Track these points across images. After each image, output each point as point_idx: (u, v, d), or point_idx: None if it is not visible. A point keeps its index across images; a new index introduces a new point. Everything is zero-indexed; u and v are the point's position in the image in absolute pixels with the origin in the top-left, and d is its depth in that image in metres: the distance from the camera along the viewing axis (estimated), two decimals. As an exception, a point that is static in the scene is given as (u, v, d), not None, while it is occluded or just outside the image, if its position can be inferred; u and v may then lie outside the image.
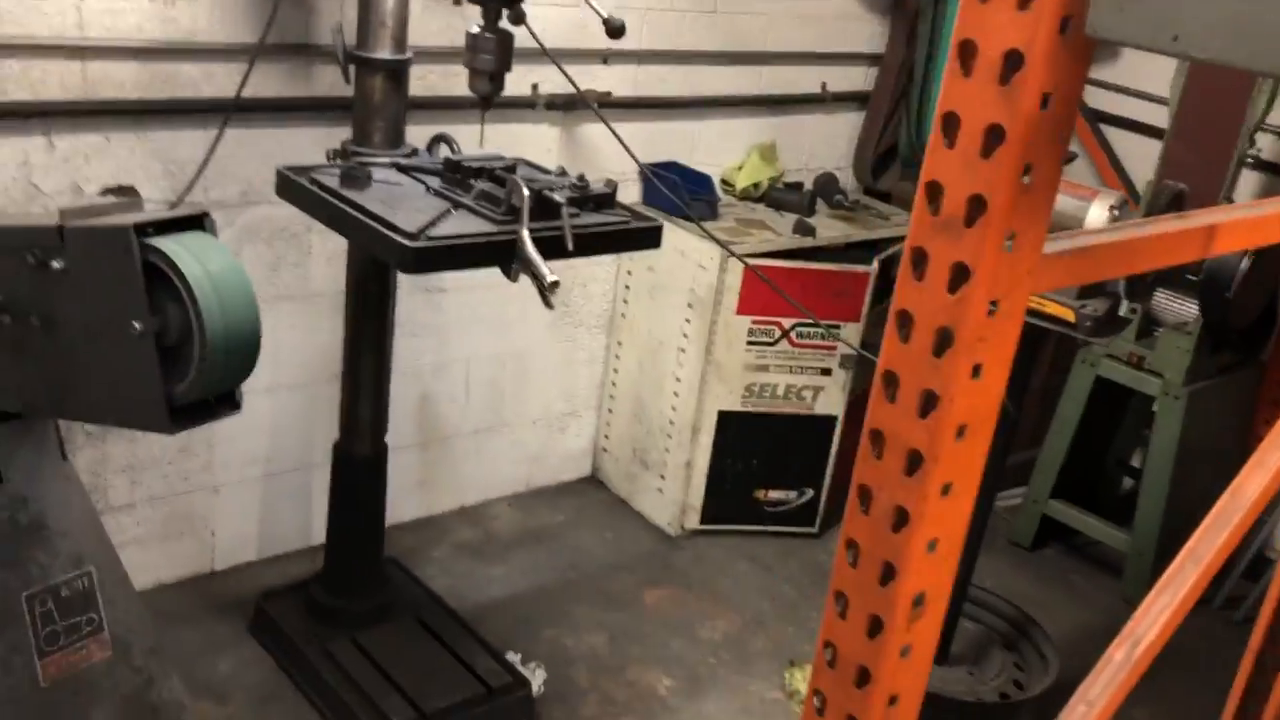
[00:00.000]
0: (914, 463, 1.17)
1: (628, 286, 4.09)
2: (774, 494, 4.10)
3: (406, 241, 2.16)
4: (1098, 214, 2.48)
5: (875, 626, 1.23)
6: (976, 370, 1.13)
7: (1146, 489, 3.98)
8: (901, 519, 1.19)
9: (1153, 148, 3.93)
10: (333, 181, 2.45)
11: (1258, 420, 4.10)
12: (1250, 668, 2.48)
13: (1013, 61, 1.02)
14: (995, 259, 1.07)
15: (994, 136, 1.04)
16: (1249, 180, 3.99)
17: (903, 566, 1.20)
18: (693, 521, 4.06)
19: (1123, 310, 2.82)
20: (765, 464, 4.06)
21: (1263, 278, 3.60)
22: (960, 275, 1.09)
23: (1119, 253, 1.27)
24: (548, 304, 2.19)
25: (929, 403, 1.14)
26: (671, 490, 4.04)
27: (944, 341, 1.11)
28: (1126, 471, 4.49)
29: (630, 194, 3.85)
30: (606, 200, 2.50)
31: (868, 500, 1.22)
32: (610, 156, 3.64)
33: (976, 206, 1.06)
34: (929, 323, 1.12)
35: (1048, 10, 0.99)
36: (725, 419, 3.95)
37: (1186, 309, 3.70)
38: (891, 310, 1.17)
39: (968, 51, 1.04)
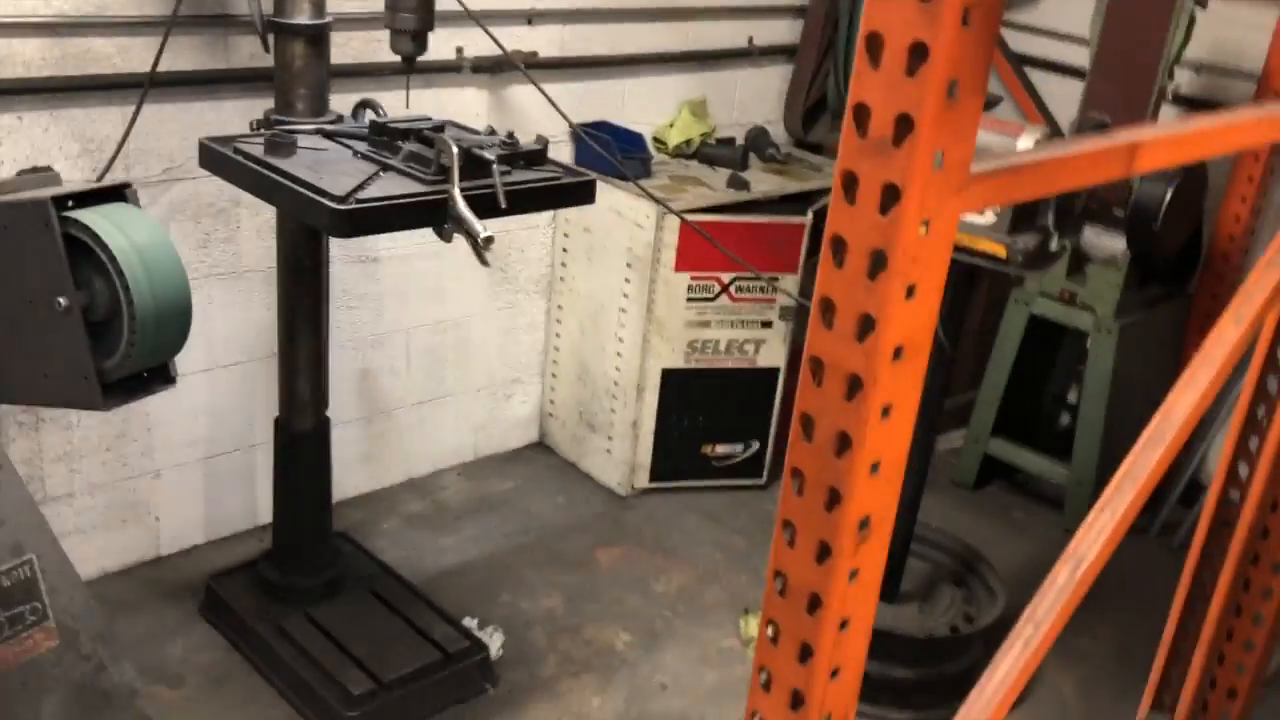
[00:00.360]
0: (854, 387, 1.18)
1: (565, 249, 4.07)
2: (721, 448, 4.13)
3: (335, 205, 2.13)
4: (1025, 147, 2.51)
5: (823, 552, 1.25)
6: (910, 291, 1.14)
7: (1083, 423, 4.07)
8: (844, 444, 1.20)
9: (1075, 88, 3.98)
10: (257, 150, 2.40)
11: (1188, 350, 4.20)
12: (1187, 591, 2.56)
13: (932, -22, 1.03)
14: (925, 178, 1.08)
15: (918, 54, 1.05)
16: (1168, 115, 4.05)
17: (847, 491, 1.21)
18: (642, 480, 4.08)
19: (1053, 245, 2.86)
20: (711, 419, 4.08)
21: (1186, 208, 3.68)
22: (891, 196, 1.10)
23: (1046, 171, 1.28)
24: (483, 261, 2.17)
25: (865, 326, 1.16)
26: (619, 450, 4.05)
27: (878, 263, 1.13)
28: (1063, 407, 4.59)
29: (562, 155, 3.82)
30: (537, 157, 2.49)
31: (810, 428, 1.23)
32: (540, 118, 3.61)
33: (904, 126, 1.07)
34: (862, 245, 1.13)
35: (964, -75, 1.00)
36: (669, 377, 3.96)
37: (1115, 243, 3.77)
38: (825, 237, 1.18)
39: (888, -30, 1.05)
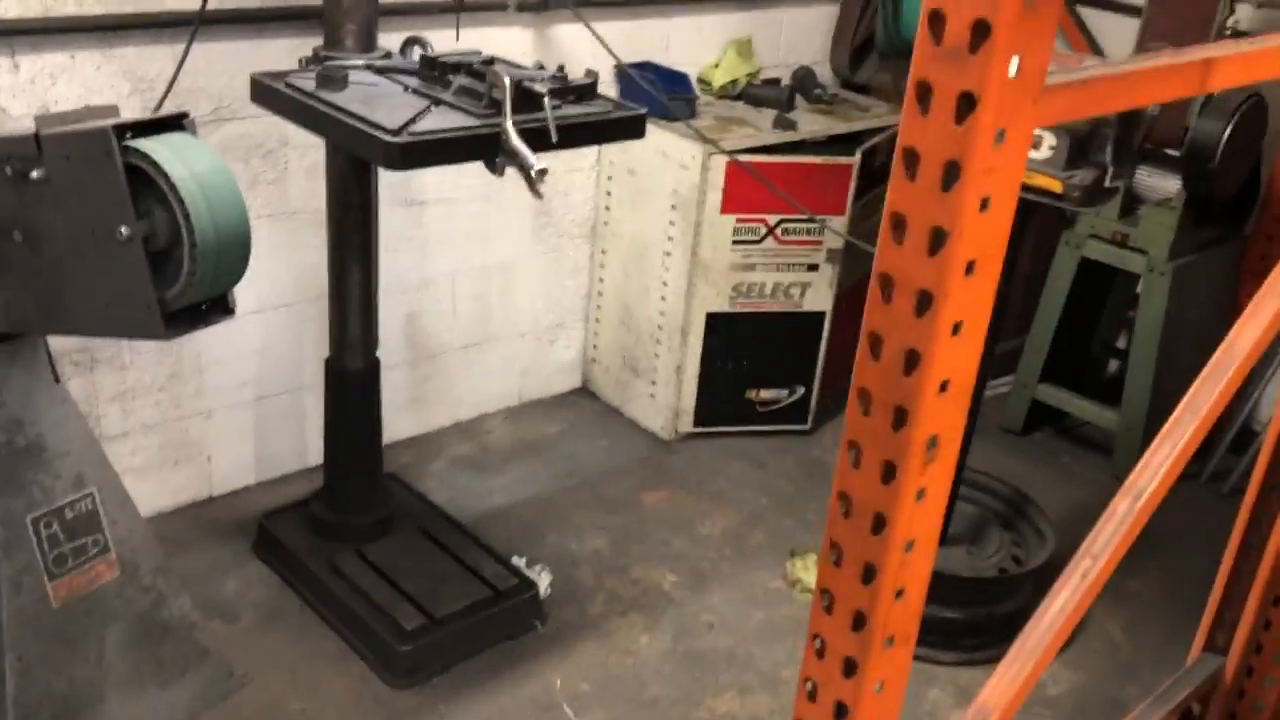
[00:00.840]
0: (924, 303, 1.17)
1: (609, 192, 4.05)
2: (765, 393, 4.12)
3: (390, 138, 2.13)
4: (1083, 81, 2.45)
5: (889, 472, 1.24)
6: (985, 204, 1.12)
7: (1134, 366, 4.02)
8: (913, 361, 1.19)
9: (1128, 25, 3.90)
10: (309, 84, 2.40)
11: (1242, 294, 4.13)
12: (1241, 535, 2.54)
13: (1013, -123, 1.00)
14: (1001, 85, 1.06)
15: (997, -43, 1.02)
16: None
17: (915, 410, 1.20)
18: (686, 425, 4.08)
19: (1109, 181, 2.81)
20: (756, 364, 4.07)
21: (1245, 146, 3.60)
22: (966, 105, 1.08)
23: (1121, 84, 1.25)
24: (536, 193, 2.16)
25: (938, 240, 1.14)
26: (663, 395, 4.05)
27: (951, 175, 1.11)
28: (1113, 353, 4.53)
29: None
30: (588, 91, 2.47)
31: (878, 346, 1.22)
32: (585, 58, 3.57)
33: (980, 31, 1.05)
34: (936, 157, 1.11)
35: None
36: (714, 320, 3.95)
37: (1169, 183, 3.69)
38: (897, 149, 1.16)
39: None
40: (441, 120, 2.24)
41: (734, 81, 4.12)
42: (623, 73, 3.70)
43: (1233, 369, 1.93)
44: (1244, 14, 3.84)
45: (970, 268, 1.15)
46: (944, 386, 1.21)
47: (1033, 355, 4.24)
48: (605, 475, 3.87)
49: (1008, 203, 1.15)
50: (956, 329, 1.18)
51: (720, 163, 3.67)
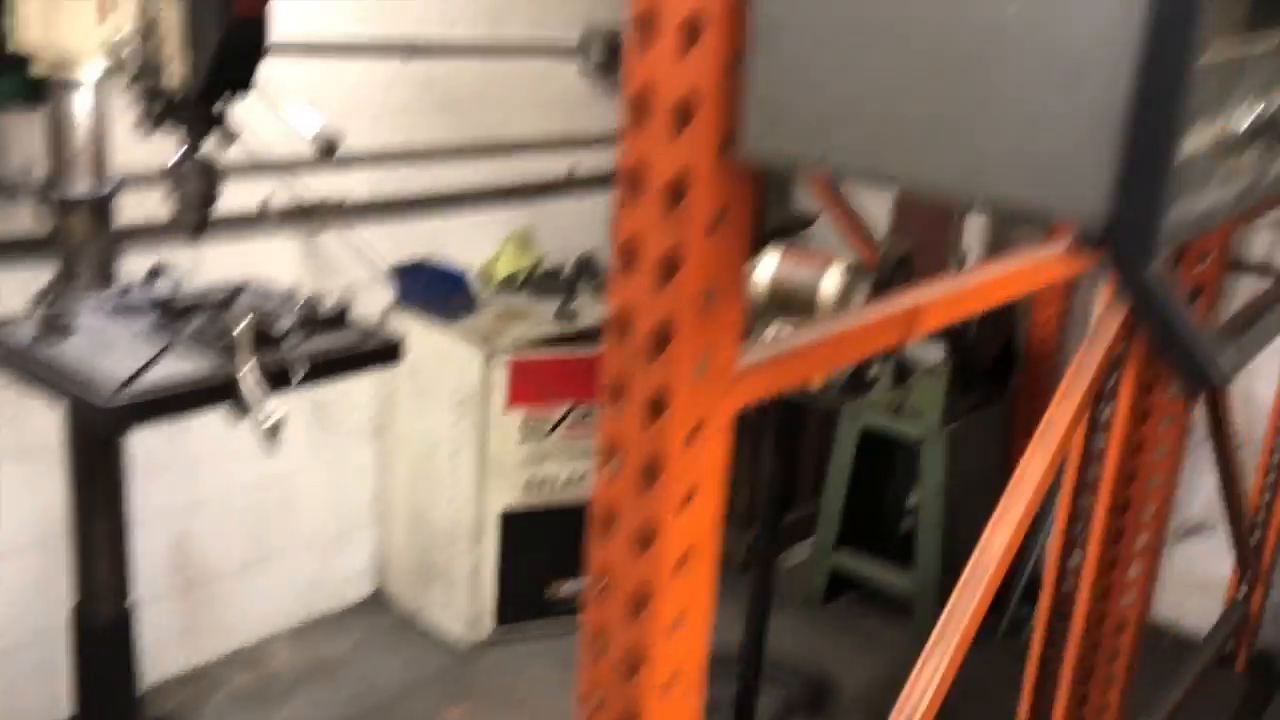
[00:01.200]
0: (640, 601, 1.11)
1: (392, 392, 3.94)
2: (567, 587, 4.01)
3: (104, 402, 1.97)
4: (831, 283, 2.53)
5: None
6: (689, 497, 1.09)
7: (922, 528, 4.11)
8: (635, 663, 1.13)
9: (889, 201, 4.11)
10: (28, 335, 2.22)
11: (1013, 451, 4.31)
12: (1032, 688, 2.59)
13: (679, 185, 1.00)
14: (689, 384, 1.04)
15: (670, 263, 1.01)
16: (979, 222, 4.20)
17: (644, 712, 1.13)
18: (486, 628, 3.92)
19: (873, 370, 2.89)
20: (554, 558, 3.96)
21: (999, 317, 3.81)
22: (658, 404, 1.05)
23: (820, 352, 1.26)
24: (269, 445, 2.04)
25: (646, 536, 1.10)
26: (460, 599, 3.89)
27: (652, 472, 1.07)
28: (905, 512, 4.63)
29: (381, 299, 3.72)
30: (338, 320, 2.38)
31: (600, 644, 1.16)
32: (355, 265, 3.52)
33: (663, 334, 1.03)
34: (635, 455, 1.08)
35: (705, 134, 0.97)
36: (508, 518, 3.84)
37: (934, 353, 3.87)
38: (598, 444, 1.12)
39: (635, 179, 1.02)
40: (171, 370, 2.11)
41: (515, 274, 4.12)
42: (396, 276, 3.65)
43: (988, 575, 1.95)
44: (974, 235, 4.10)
45: (682, 561, 1.11)
46: (670, 685, 1.15)
47: (826, 525, 4.29)
48: (402, 694, 3.64)
49: (715, 491, 1.12)
50: (677, 624, 1.13)
51: (502, 360, 3.63)
